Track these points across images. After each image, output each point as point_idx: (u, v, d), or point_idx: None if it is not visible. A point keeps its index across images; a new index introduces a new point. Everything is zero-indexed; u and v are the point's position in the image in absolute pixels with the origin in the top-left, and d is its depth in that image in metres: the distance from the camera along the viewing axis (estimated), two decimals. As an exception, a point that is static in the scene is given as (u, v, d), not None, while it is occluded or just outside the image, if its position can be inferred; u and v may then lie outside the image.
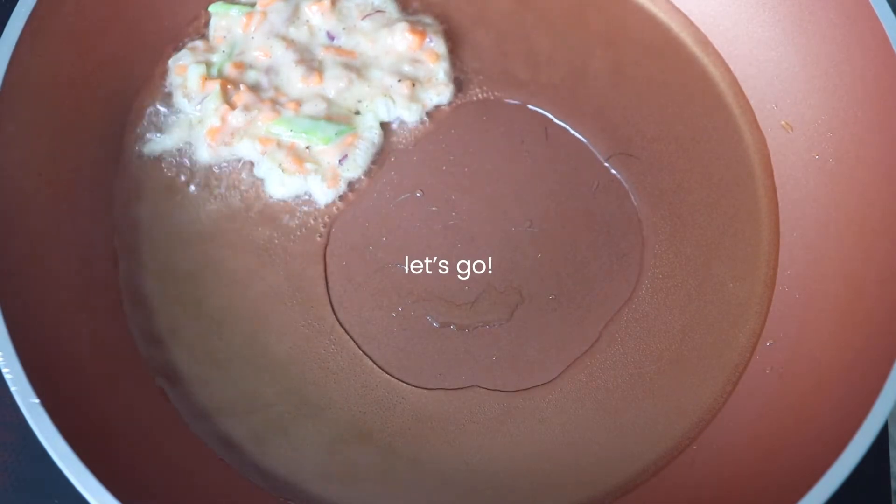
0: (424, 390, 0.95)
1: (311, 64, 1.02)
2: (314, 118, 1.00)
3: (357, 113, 1.02)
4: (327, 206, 1.00)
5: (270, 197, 1.00)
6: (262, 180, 1.00)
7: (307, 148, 1.00)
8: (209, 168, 1.01)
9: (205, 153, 1.01)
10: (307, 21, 1.04)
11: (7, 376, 0.78)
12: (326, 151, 1.00)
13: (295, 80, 1.01)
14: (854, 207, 0.95)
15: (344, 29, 1.04)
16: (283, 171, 0.99)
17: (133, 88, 1.03)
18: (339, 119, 1.01)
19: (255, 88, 1.01)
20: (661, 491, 0.91)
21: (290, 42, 1.03)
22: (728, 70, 1.07)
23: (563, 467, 0.92)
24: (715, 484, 0.90)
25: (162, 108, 1.03)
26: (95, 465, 0.76)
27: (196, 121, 1.00)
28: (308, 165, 0.99)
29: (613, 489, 0.92)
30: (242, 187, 1.01)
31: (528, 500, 0.91)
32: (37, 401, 0.77)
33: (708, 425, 0.94)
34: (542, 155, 1.03)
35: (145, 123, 1.02)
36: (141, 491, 0.80)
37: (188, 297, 0.96)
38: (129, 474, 0.82)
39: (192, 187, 1.00)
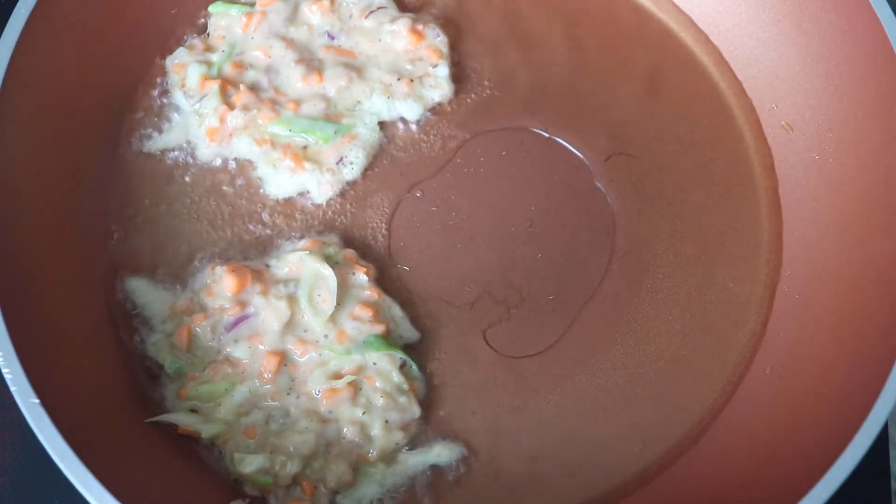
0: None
1: (310, 63, 1.02)
2: (313, 118, 1.00)
3: (356, 112, 1.02)
4: (326, 205, 1.00)
5: (269, 196, 1.00)
6: (260, 180, 1.00)
7: (305, 148, 1.00)
8: (208, 167, 1.01)
9: (204, 152, 1.01)
10: (307, 21, 1.04)
11: (7, 376, 0.78)
12: (325, 151, 1.00)
13: (294, 80, 1.01)
14: (854, 207, 0.95)
15: (343, 28, 1.04)
16: (281, 170, 0.99)
17: (132, 88, 1.03)
18: (339, 118, 1.01)
19: (254, 88, 1.01)
20: (661, 491, 0.91)
21: (289, 42, 1.03)
22: (728, 70, 1.07)
23: (563, 467, 0.92)
24: (715, 484, 0.90)
25: (161, 108, 1.03)
26: (95, 465, 0.76)
27: (195, 120, 1.00)
28: (307, 165, 0.99)
29: (614, 489, 0.92)
30: (241, 187, 1.01)
31: (528, 500, 0.91)
32: (37, 401, 0.77)
33: (708, 425, 0.94)
34: (541, 155, 1.03)
35: (144, 122, 1.02)
36: (141, 491, 0.80)
37: (188, 297, 0.97)
38: (130, 474, 0.82)
39: (191, 187, 1.00)
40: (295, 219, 1.00)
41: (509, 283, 0.98)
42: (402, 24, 1.03)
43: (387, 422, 0.89)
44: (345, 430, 0.88)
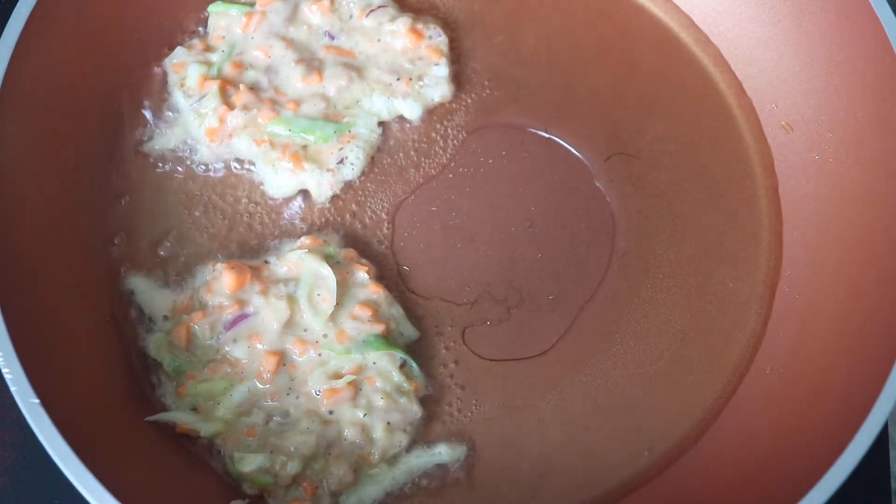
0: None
1: (310, 63, 1.02)
2: (313, 118, 1.00)
3: (356, 112, 1.01)
4: (326, 205, 1.00)
5: (269, 196, 1.00)
6: (260, 180, 1.00)
7: (305, 147, 1.00)
8: (208, 167, 1.01)
9: (204, 152, 1.01)
10: (307, 21, 1.04)
11: (7, 376, 0.78)
12: (325, 151, 1.00)
13: (294, 80, 1.01)
14: (854, 207, 0.95)
15: (343, 28, 1.04)
16: (281, 170, 0.99)
17: (132, 88, 1.03)
18: (338, 118, 1.01)
19: (254, 88, 1.01)
20: (661, 492, 0.91)
21: (289, 41, 1.03)
22: (728, 70, 1.07)
23: (562, 468, 0.92)
24: (715, 484, 0.90)
25: (161, 108, 1.03)
26: (95, 465, 0.76)
27: (195, 120, 1.00)
28: (307, 165, 0.99)
29: (614, 490, 0.92)
30: (241, 186, 1.01)
31: (528, 500, 0.91)
32: (37, 401, 0.77)
33: (708, 425, 0.94)
34: (541, 155, 1.03)
35: (144, 123, 1.02)
36: (140, 491, 0.80)
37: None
38: (129, 474, 0.82)
39: (192, 186, 1.00)
40: (295, 218, 1.00)
41: (509, 283, 0.98)
42: (402, 24, 1.03)
43: (389, 423, 0.89)
44: (346, 431, 0.88)
